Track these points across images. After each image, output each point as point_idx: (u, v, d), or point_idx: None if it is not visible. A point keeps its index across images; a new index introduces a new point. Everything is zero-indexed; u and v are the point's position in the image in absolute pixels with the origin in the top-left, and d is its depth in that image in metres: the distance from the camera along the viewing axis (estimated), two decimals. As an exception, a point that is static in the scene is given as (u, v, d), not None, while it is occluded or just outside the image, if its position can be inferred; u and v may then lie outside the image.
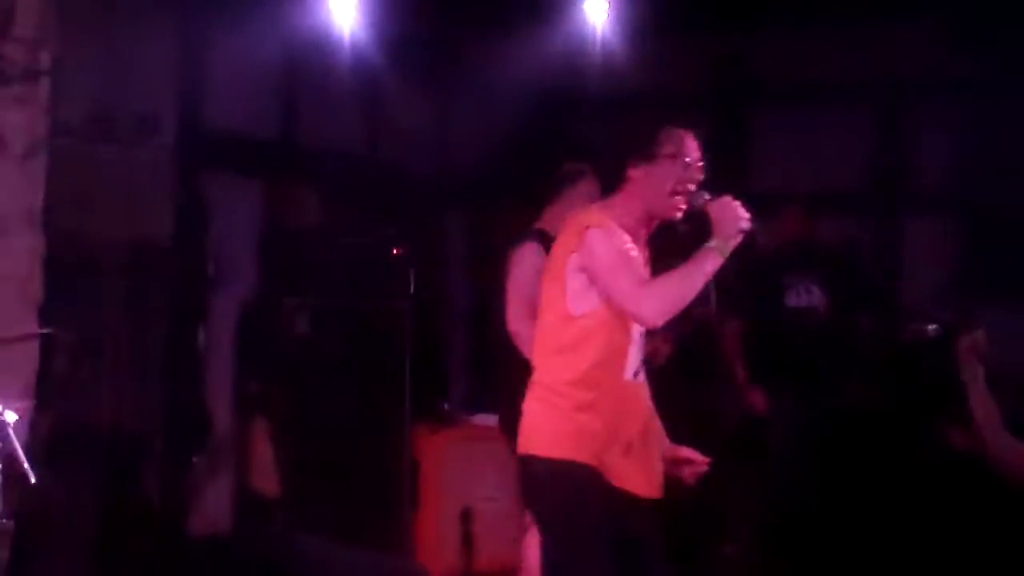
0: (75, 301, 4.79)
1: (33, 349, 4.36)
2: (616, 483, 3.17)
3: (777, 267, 5.68)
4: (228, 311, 5.81)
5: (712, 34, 6.67)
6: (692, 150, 3.23)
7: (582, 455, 3.14)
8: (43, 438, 4.33)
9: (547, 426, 3.19)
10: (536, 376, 3.27)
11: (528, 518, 4.12)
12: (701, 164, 3.23)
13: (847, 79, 6.42)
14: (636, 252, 3.22)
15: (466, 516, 5.62)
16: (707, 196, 3.20)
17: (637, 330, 3.23)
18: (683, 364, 5.10)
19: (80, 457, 4.78)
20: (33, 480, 3.34)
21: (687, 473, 3.34)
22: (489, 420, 5.77)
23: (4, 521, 3.50)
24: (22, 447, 3.37)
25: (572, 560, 3.14)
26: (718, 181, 3.29)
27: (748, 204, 3.20)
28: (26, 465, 3.32)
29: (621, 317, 3.17)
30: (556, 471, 3.15)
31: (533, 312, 3.43)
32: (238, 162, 5.95)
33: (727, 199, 3.17)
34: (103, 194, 5.18)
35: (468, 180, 7.09)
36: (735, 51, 6.84)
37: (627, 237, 3.20)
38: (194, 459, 5.56)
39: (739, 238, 3.11)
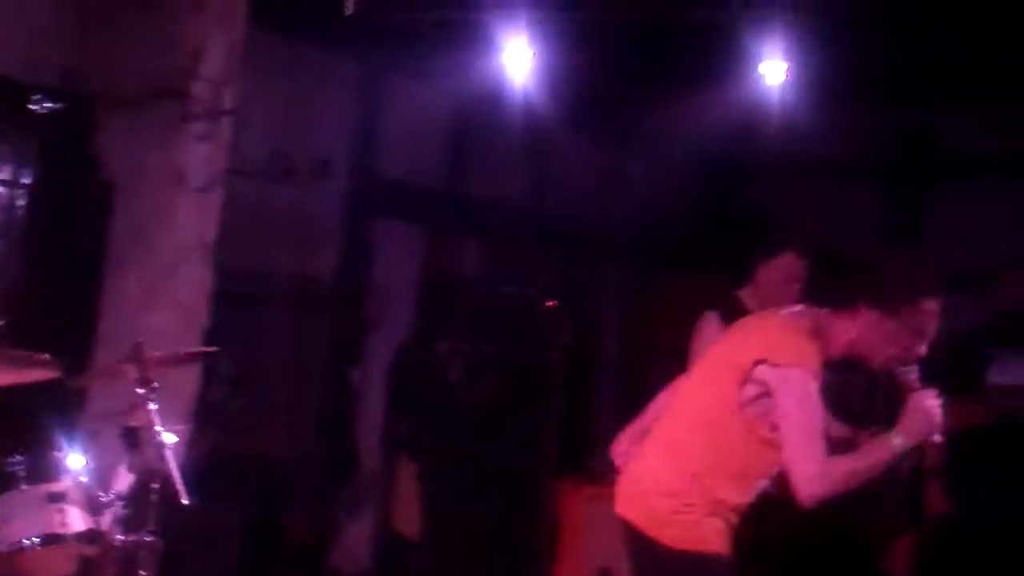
0: (239, 333, 4.96)
1: (194, 374, 4.53)
2: None
3: (980, 340, 5.08)
4: (384, 352, 5.92)
5: (895, 105, 6.46)
6: (931, 325, 3.01)
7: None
8: (198, 461, 4.45)
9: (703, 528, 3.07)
10: (703, 489, 3.04)
11: None
12: (931, 339, 3.03)
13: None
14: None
15: (604, 577, 5.50)
16: (915, 374, 3.02)
17: None
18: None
19: (231, 483, 4.91)
20: (185, 501, 3.39)
21: None
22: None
23: (154, 539, 3.57)
24: (177, 468, 3.46)
25: None
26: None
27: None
28: (180, 486, 3.38)
29: None
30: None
31: None
32: (405, 209, 6.08)
33: (930, 395, 2.99)
34: (274, 232, 5.37)
35: (632, 239, 7.05)
36: (919, 123, 6.61)
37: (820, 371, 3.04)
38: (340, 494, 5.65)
39: (921, 439, 3.00)
